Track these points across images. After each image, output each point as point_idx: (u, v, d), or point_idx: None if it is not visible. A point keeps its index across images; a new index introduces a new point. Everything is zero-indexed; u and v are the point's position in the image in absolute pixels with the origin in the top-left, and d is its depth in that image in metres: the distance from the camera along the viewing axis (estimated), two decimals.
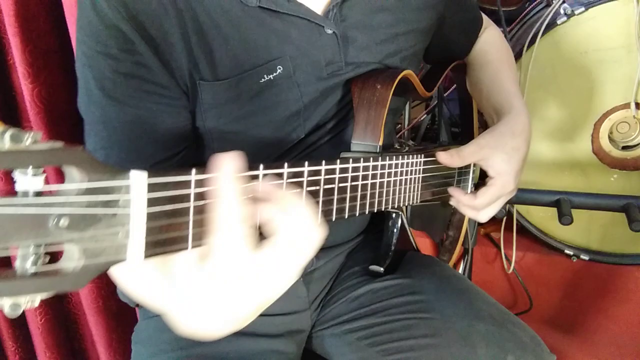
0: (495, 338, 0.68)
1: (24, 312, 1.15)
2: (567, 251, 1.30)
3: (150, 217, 0.32)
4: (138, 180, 0.32)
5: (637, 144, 1.21)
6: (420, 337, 0.70)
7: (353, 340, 0.76)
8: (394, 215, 0.83)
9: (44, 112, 0.98)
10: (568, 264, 1.31)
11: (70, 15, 0.93)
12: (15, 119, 1.03)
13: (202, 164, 0.37)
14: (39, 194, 0.27)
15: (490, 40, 0.94)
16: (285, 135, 0.69)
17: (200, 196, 0.36)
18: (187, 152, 0.66)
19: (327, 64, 0.67)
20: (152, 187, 0.32)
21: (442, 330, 0.69)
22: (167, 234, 0.34)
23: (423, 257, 0.88)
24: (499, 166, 0.73)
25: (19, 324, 1.19)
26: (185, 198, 0.35)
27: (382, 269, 0.81)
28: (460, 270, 1.30)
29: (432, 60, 0.96)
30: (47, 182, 0.27)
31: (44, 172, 0.27)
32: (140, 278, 0.50)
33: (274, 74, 0.63)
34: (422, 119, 1.43)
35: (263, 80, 0.62)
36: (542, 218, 1.30)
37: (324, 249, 0.85)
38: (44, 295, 0.28)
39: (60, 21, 0.96)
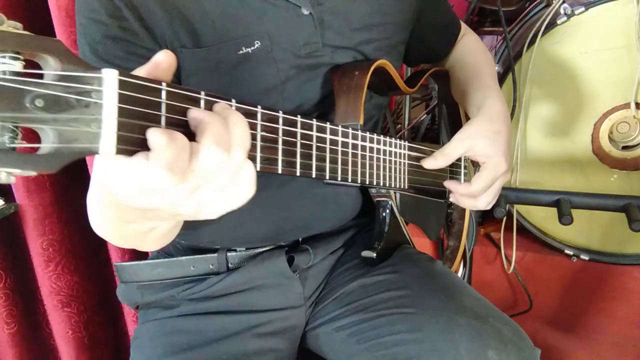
0: (477, 332, 0.68)
1: None
2: (567, 251, 1.29)
3: (122, 112, 0.34)
4: (109, 75, 0.33)
5: (637, 144, 1.20)
6: (404, 332, 0.70)
7: (344, 337, 0.76)
8: (382, 202, 0.84)
9: None
10: (568, 264, 1.30)
11: (57, 22, 0.91)
12: None
13: None
14: (16, 74, 0.28)
15: (468, 45, 0.99)
16: None
17: (172, 109, 0.38)
18: None
19: (305, 43, 0.70)
20: (123, 85, 0.34)
21: (424, 325, 0.70)
22: (139, 135, 0.35)
23: (415, 253, 0.88)
24: (486, 151, 0.76)
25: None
26: (157, 106, 0.37)
27: (374, 254, 0.82)
28: (461, 271, 1.29)
29: (413, 62, 1.00)
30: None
31: (22, 60, 0.29)
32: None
33: (252, 48, 0.66)
34: (422, 119, 1.43)
35: (241, 52, 0.66)
36: (542, 218, 1.30)
37: (320, 239, 0.86)
38: (17, 172, 0.29)
39: (46, 27, 0.94)
